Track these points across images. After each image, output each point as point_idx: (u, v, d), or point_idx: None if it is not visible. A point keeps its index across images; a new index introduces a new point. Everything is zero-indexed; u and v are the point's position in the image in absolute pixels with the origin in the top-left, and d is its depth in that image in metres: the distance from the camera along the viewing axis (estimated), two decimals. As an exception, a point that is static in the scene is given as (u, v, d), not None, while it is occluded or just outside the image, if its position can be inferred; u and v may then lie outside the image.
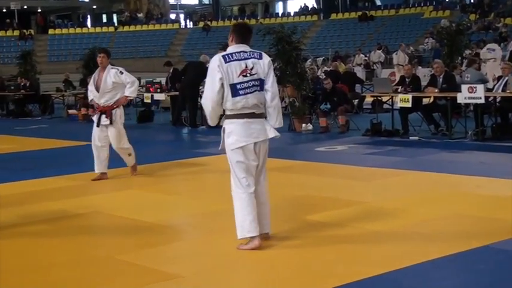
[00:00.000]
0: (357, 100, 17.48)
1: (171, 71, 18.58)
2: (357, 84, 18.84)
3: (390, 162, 10.13)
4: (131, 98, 10.71)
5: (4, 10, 50.88)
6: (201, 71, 16.63)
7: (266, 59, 5.88)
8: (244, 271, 5.54)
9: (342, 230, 6.44)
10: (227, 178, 5.97)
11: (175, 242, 6.39)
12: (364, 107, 18.04)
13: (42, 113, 22.80)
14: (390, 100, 13.94)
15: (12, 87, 24.31)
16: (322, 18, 46.90)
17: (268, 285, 5.13)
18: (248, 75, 5.74)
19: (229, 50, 5.83)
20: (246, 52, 5.82)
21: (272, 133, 5.85)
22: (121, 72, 9.54)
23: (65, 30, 49.70)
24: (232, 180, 5.85)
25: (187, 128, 16.53)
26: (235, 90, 5.71)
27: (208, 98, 5.76)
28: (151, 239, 6.42)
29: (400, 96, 13.02)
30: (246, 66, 5.74)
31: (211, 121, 5.94)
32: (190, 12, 55.58)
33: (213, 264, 5.62)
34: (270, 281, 5.20)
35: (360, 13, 44.47)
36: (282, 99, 18.52)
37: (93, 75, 9.86)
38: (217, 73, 5.69)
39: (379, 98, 14.85)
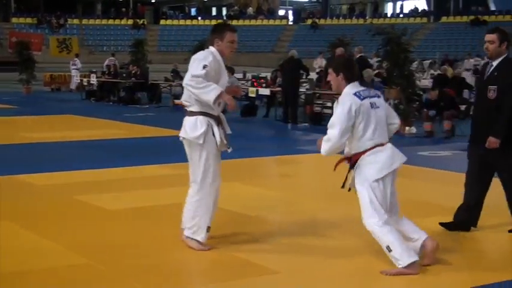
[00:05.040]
0: (464, 106, 17.05)
1: None
2: (465, 90, 18.35)
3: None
4: None
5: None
6: (296, 67, 16.78)
7: None
8: (335, 274, 5.56)
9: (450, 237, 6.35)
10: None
11: (274, 237, 6.44)
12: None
13: (149, 102, 23.42)
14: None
15: (124, 75, 25.18)
16: (432, 20, 45.96)
17: None
18: None
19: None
20: None
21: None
22: None
23: (175, 22, 50.96)
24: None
25: (290, 125, 16.61)
26: None
27: None
28: (252, 232, 6.51)
29: None
30: None
31: None
32: (299, 9, 55.75)
33: (308, 261, 5.67)
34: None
35: (472, 17, 43.29)
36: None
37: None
38: None
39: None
